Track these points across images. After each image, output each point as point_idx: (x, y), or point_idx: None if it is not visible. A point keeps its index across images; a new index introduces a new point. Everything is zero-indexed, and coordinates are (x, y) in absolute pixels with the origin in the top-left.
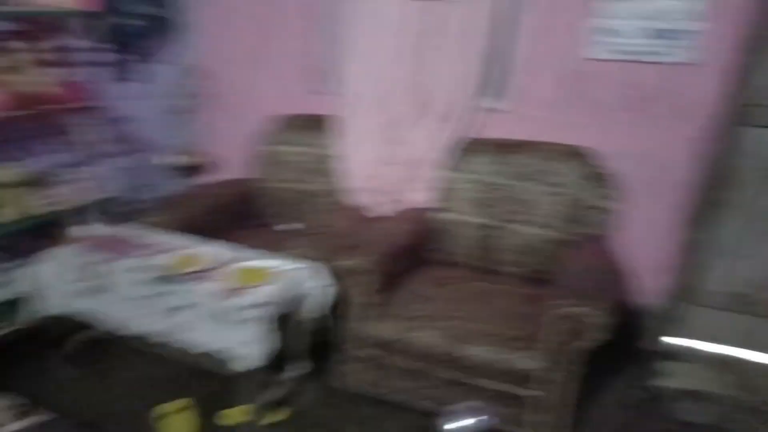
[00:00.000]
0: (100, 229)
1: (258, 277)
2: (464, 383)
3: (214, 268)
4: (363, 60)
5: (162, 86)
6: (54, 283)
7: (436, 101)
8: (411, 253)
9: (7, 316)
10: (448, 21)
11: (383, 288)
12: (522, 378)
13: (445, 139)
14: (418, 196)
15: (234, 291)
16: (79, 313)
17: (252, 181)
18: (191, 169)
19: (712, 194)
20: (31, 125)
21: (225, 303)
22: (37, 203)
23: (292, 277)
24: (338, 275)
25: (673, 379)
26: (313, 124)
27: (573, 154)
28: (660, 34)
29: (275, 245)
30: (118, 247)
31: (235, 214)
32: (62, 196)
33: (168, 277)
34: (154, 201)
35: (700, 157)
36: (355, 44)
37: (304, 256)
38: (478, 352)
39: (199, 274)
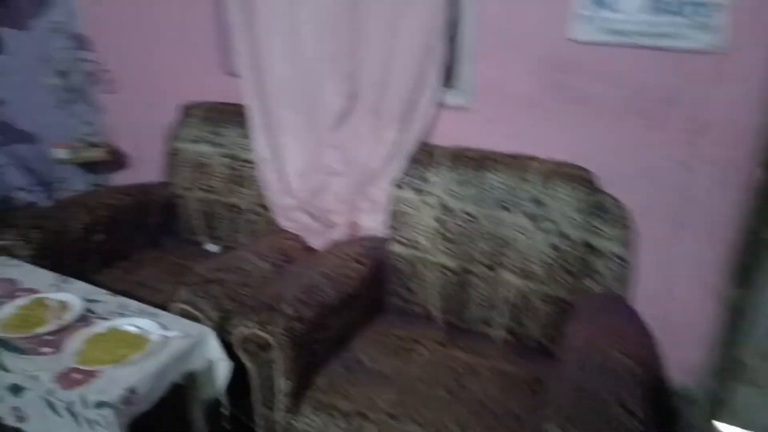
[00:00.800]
0: None
1: (116, 350)
2: None
3: (64, 330)
4: (277, 32)
5: (38, 59)
6: None
7: (374, 91)
8: (358, 301)
9: None
10: None
11: (309, 362)
12: None
13: (393, 144)
14: (367, 220)
15: (80, 373)
16: None
17: (165, 187)
18: (91, 166)
19: (759, 237)
20: None
21: (64, 393)
22: None
23: (167, 352)
24: (241, 346)
25: None
26: (233, 116)
27: (566, 175)
28: (672, 8)
29: (168, 282)
30: None
31: (141, 230)
32: None
33: (1, 343)
34: (33, 205)
35: (740, 184)
36: (266, 10)
37: (193, 313)
38: None
39: (45, 340)
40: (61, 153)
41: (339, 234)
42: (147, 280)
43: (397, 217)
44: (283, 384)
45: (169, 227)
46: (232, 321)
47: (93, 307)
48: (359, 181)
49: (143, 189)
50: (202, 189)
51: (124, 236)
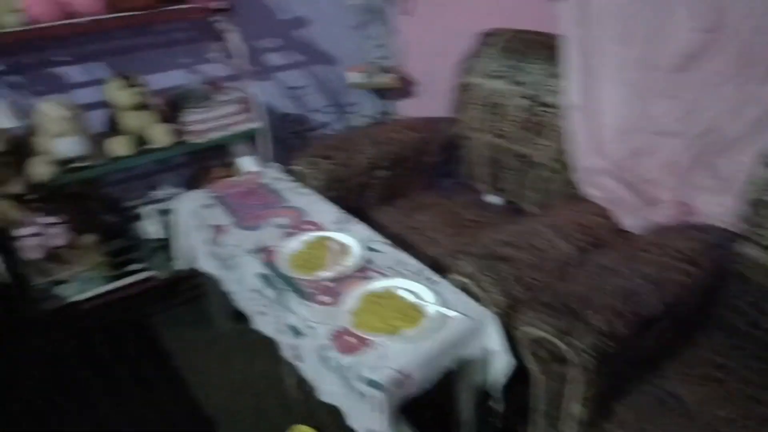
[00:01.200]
0: (248, 165)
1: (391, 319)
2: None
3: (343, 278)
4: None
5: None
6: (185, 233)
7: (749, 25)
8: (681, 312)
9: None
10: None
11: (612, 387)
12: None
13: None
14: (706, 202)
15: (353, 337)
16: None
17: (451, 125)
18: (381, 92)
19: None
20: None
21: (337, 355)
22: (191, 128)
23: (444, 334)
24: (529, 348)
25: None
26: (541, 49)
27: None
28: None
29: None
30: (250, 212)
31: (421, 169)
32: (213, 120)
33: (288, 281)
34: (329, 130)
35: None
36: None
37: (475, 292)
38: None
39: (324, 286)
40: (355, 77)
41: (662, 215)
42: (422, 226)
43: (758, 209)
44: (575, 409)
45: (449, 169)
46: (522, 314)
47: (372, 256)
48: (703, 148)
49: (428, 124)
50: (491, 132)
51: (405, 174)
